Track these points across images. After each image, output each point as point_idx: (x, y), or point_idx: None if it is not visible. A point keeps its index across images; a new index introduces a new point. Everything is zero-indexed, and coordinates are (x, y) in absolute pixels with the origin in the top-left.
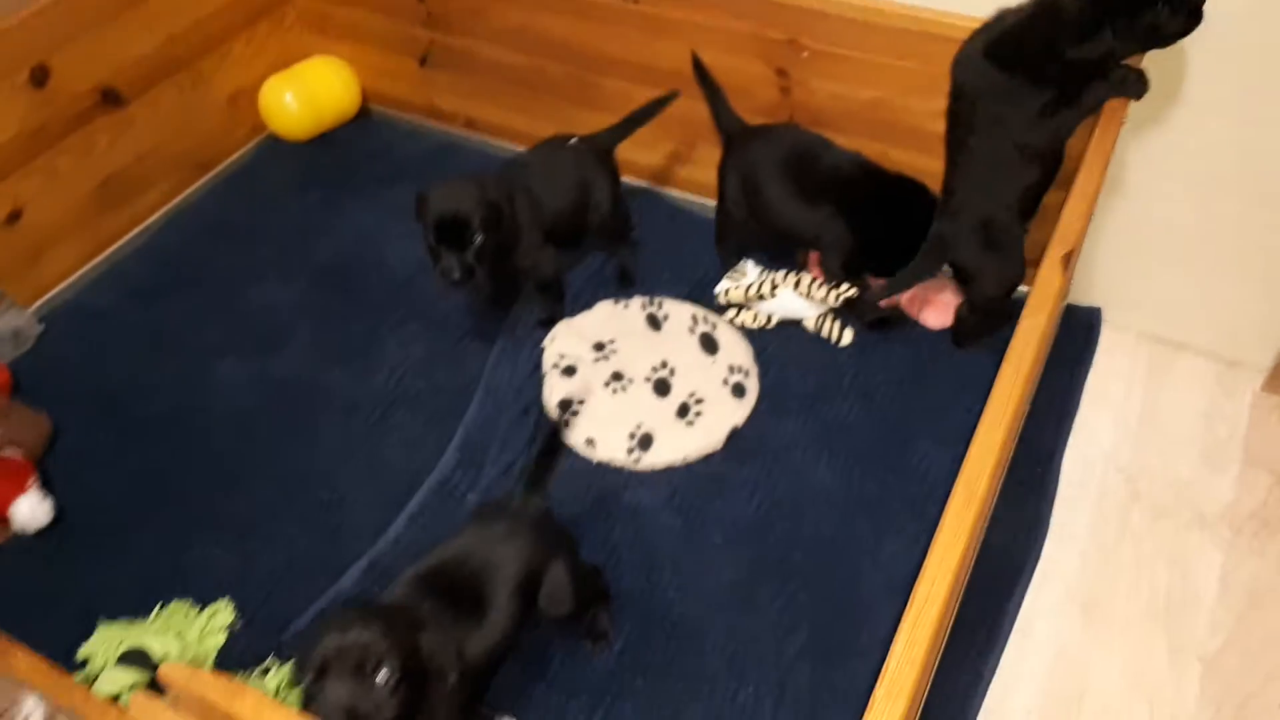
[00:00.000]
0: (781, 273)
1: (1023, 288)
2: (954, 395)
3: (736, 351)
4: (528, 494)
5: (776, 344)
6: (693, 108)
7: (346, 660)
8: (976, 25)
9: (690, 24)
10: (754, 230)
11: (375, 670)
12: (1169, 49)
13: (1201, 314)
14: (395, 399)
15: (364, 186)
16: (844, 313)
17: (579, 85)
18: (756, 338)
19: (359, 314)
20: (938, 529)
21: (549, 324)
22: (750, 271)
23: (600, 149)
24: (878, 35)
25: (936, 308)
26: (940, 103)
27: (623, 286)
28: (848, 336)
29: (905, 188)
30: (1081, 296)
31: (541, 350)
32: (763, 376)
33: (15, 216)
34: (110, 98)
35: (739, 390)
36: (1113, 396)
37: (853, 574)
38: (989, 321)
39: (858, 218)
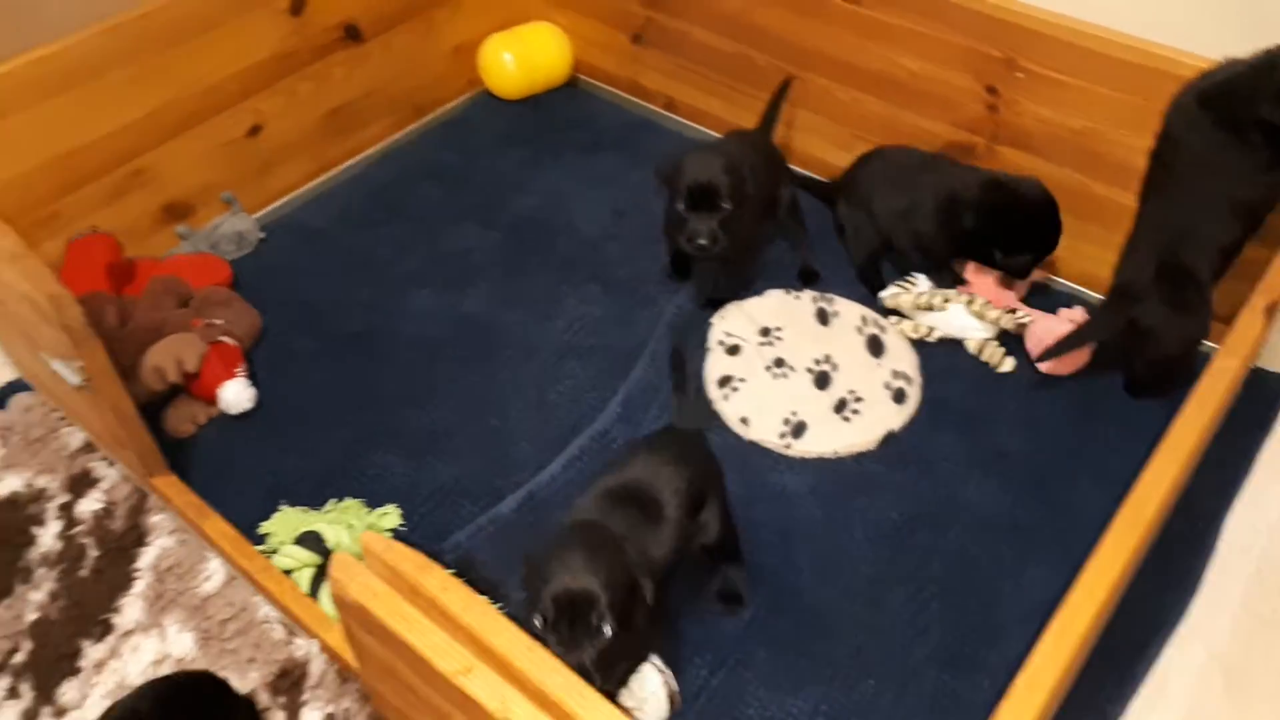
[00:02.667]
0: (955, 290)
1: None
2: (1121, 438)
3: (902, 358)
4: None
5: (943, 358)
6: (873, 104)
7: (575, 613)
8: (1204, 67)
9: (907, 31)
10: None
11: (600, 623)
12: None
13: None
14: (568, 349)
15: (564, 150)
16: (1008, 340)
17: (782, 79)
18: (923, 349)
19: (545, 267)
20: (1099, 542)
21: (718, 304)
22: (921, 282)
23: (769, 140)
24: (1100, 64)
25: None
26: (1152, 141)
27: (804, 283)
28: (1009, 364)
29: (1010, 193)
30: (1269, 361)
31: (709, 326)
32: (925, 387)
33: (256, 130)
34: (352, 33)
35: (900, 396)
36: None
37: (990, 593)
38: (1165, 380)
39: (955, 216)
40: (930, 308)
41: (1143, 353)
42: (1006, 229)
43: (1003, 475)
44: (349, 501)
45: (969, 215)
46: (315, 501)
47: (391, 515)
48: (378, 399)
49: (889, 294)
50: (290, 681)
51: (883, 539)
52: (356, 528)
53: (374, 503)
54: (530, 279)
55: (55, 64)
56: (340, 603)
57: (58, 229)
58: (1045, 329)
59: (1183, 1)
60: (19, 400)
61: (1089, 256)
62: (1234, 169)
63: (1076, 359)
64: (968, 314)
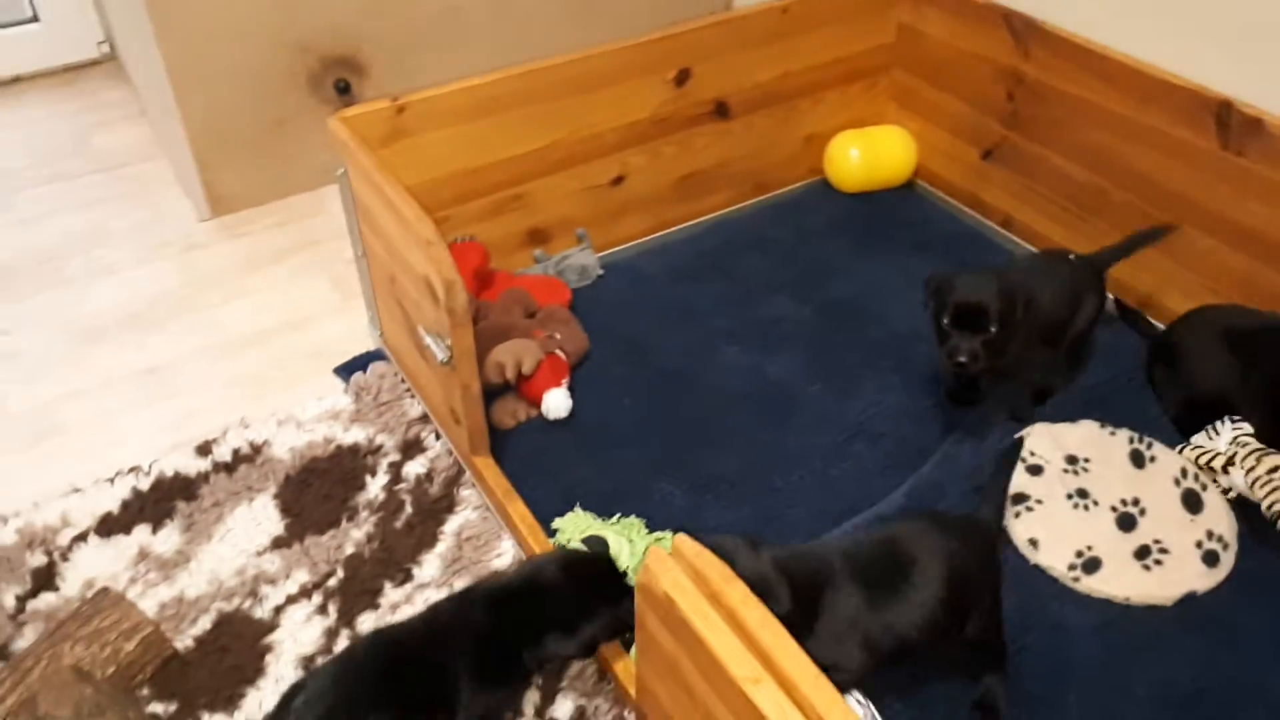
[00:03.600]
0: (1256, 454)
1: None
2: None
3: (1220, 520)
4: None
5: (1273, 531)
6: (1234, 258)
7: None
8: None
9: None
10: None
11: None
12: None
13: None
14: (859, 431)
15: (890, 246)
16: None
17: (1137, 218)
18: (1247, 515)
19: (851, 349)
20: None
21: (1019, 422)
22: (1224, 434)
23: (1097, 267)
24: None
25: None
26: None
27: (1037, 401)
28: None
29: None
30: None
31: (1012, 440)
32: (1242, 555)
33: (619, 180)
34: (721, 109)
35: (1211, 558)
36: None
37: None
38: None
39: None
40: (1226, 470)
41: None
42: None
43: None
44: (632, 519)
45: None
46: (602, 511)
47: (667, 540)
48: (674, 434)
49: (1191, 446)
50: (554, 668)
51: (1168, 702)
52: (636, 544)
53: (653, 526)
54: (834, 357)
55: (476, 95)
56: (648, 593)
57: (446, 231)
58: None
59: None
60: (376, 368)
61: None
62: None
63: None
64: (1244, 481)
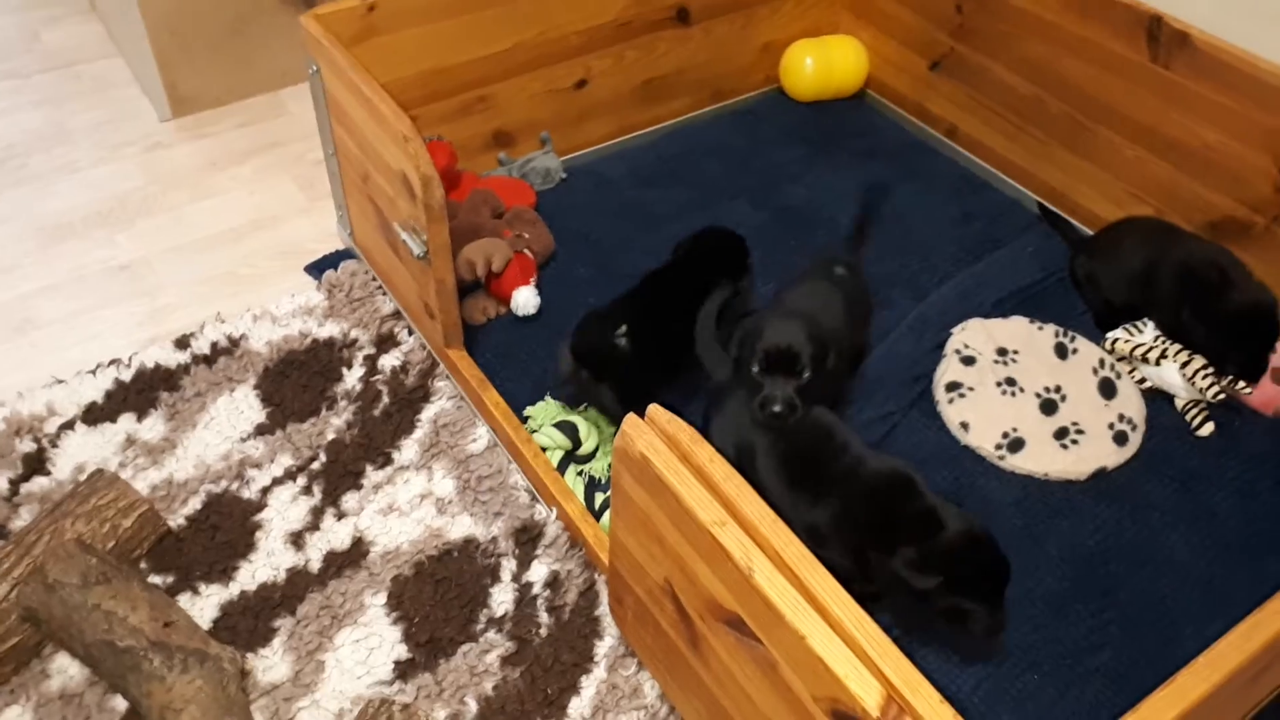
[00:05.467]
0: (1176, 347)
1: None
2: None
3: (1131, 405)
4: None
5: (1175, 415)
6: (1158, 167)
7: None
8: None
9: (1210, 102)
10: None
11: None
12: None
13: None
14: None
15: (839, 155)
16: (1214, 408)
17: (1071, 128)
18: (1155, 402)
19: (801, 252)
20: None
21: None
22: (1147, 332)
23: (857, 269)
24: None
25: None
26: None
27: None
28: (1207, 429)
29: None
30: None
31: (948, 335)
32: (1148, 437)
33: (582, 84)
34: (682, 15)
35: (1121, 438)
36: None
37: (1172, 632)
38: None
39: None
40: (1145, 360)
41: None
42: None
43: (1212, 536)
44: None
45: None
46: (573, 404)
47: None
48: None
49: (1112, 337)
50: (528, 537)
51: (1075, 559)
52: (604, 433)
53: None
54: (786, 260)
55: None
56: (624, 455)
57: None
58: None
59: None
60: (346, 266)
61: None
62: None
63: None
64: (1179, 374)
